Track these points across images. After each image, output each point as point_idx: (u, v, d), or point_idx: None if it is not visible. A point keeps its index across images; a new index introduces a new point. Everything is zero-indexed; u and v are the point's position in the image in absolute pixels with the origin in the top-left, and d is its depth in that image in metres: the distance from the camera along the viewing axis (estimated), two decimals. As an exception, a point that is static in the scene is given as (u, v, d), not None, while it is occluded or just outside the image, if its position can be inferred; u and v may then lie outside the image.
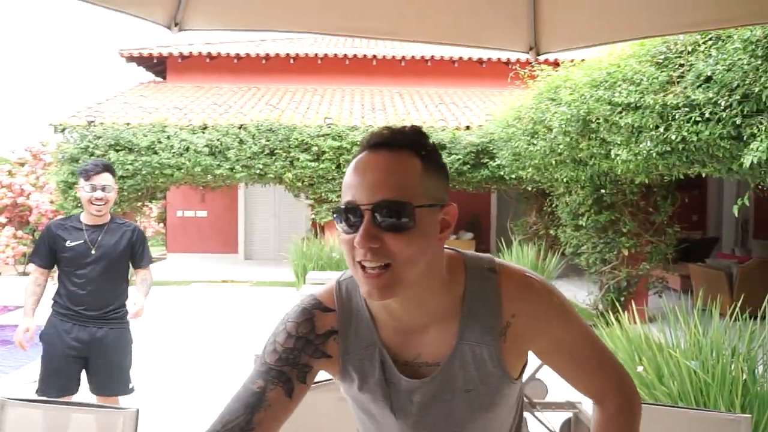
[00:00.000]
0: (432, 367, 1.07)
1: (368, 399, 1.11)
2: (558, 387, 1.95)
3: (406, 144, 1.00)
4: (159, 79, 15.29)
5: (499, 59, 14.08)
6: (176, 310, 8.46)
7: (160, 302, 8.73)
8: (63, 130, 10.67)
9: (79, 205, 10.38)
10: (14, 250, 11.37)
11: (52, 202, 11.36)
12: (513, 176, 9.42)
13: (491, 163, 10.22)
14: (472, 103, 13.00)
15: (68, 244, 3.13)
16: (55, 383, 3.13)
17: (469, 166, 10.64)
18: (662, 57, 5.06)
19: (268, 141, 10.46)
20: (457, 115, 11.83)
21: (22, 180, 11.80)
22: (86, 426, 2.06)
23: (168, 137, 10.38)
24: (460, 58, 14.28)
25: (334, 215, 0.99)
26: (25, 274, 11.63)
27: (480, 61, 14.35)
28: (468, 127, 11.00)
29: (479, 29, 2.01)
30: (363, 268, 0.96)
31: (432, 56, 14.21)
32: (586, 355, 1.12)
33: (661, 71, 4.96)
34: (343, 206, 0.97)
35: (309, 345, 1.08)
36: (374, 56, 14.23)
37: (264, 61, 14.31)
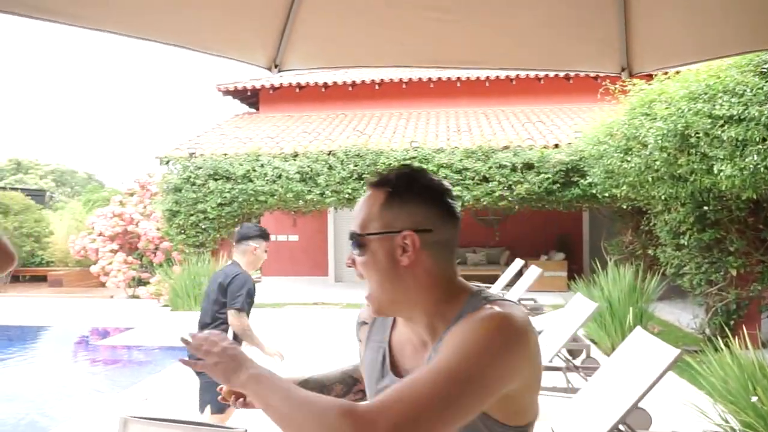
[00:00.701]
0: None
1: (367, 379, 1.30)
2: (662, 416, 1.87)
3: (379, 182, 1.15)
4: (252, 110, 16.09)
5: (587, 75, 13.72)
6: (273, 331, 8.75)
7: (257, 323, 9.09)
8: (167, 162, 11.44)
9: (183, 232, 11.12)
10: (125, 274, 12.23)
11: (158, 229, 12.14)
12: (606, 194, 9.09)
13: (582, 181, 9.93)
14: (559, 120, 12.72)
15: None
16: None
17: (558, 185, 10.39)
18: (767, 66, 4.78)
19: (356, 166, 10.72)
20: (545, 134, 11.62)
21: (131, 209, 12.71)
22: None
23: (262, 165, 10.88)
24: (546, 75, 14.02)
25: None
26: (134, 297, 12.48)
27: (567, 78, 14.05)
28: (557, 145, 10.77)
29: (570, 54, 2.01)
30: None
31: (517, 75, 14.07)
32: (420, 381, 0.96)
33: (767, 81, 4.68)
34: None
35: (356, 327, 1.40)
36: (458, 78, 14.27)
37: (350, 88, 14.73)
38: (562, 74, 13.31)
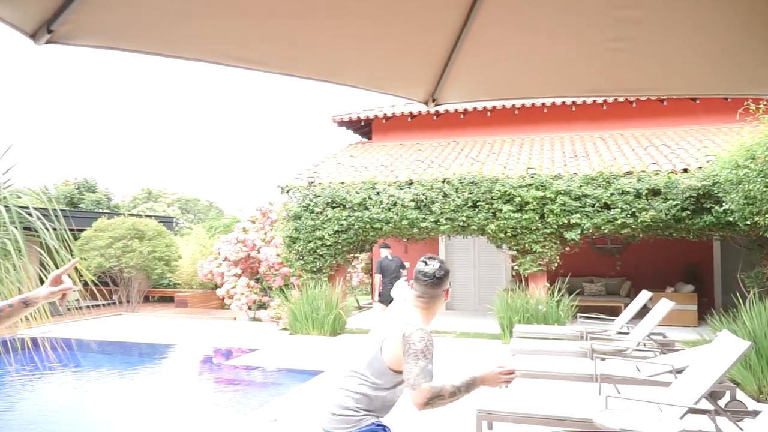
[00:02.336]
0: None
1: None
2: None
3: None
4: (365, 139, 16.54)
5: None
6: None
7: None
8: (288, 191, 11.98)
9: (301, 258, 11.55)
10: (247, 297, 12.86)
11: (278, 255, 12.69)
12: (746, 222, 8.41)
13: (717, 208, 9.26)
14: (685, 143, 11.99)
15: None
16: None
17: (688, 212, 9.75)
18: None
19: (470, 193, 10.67)
20: (671, 158, 10.99)
21: (253, 236, 13.40)
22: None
23: (377, 193, 11.11)
24: (670, 95, 13.31)
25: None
26: (255, 319, 13.08)
27: (692, 98, 13.26)
28: (685, 170, 10.14)
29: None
30: None
31: (637, 97, 13.47)
32: None
33: None
34: None
35: None
36: (573, 102, 13.91)
37: (462, 116, 14.77)
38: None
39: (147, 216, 20.08)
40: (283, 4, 1.63)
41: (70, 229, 3.96)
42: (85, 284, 7.41)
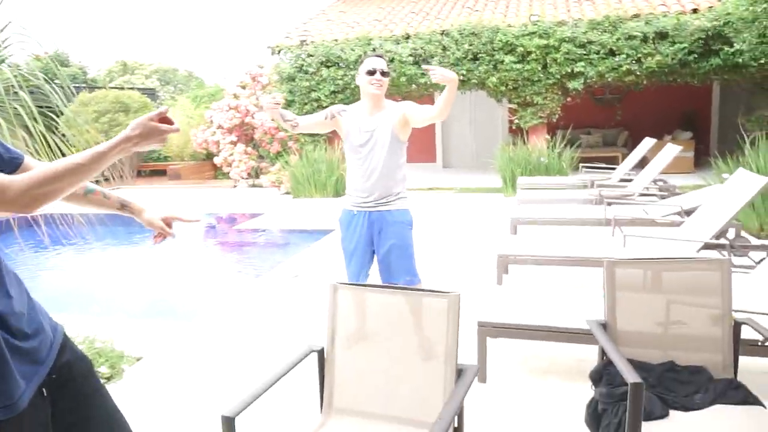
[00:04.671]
0: None
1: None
2: None
3: None
4: (353, -7, 15.56)
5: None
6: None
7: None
8: (279, 52, 11.45)
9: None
10: (246, 164, 12.76)
11: (273, 119, 12.41)
12: (757, 63, 8.22)
13: (726, 49, 9.00)
14: (695, -19, 11.37)
15: None
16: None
17: (695, 55, 9.48)
18: None
19: (471, 45, 10.25)
20: (679, -2, 10.48)
21: (245, 101, 13.01)
22: (412, 308, 2.26)
23: (374, 49, 10.64)
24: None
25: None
26: (255, 186, 13.09)
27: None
28: (695, 10, 9.73)
29: None
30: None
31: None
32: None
33: None
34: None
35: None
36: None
37: (456, -38, 13.80)
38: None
39: (129, 89, 19.37)
40: None
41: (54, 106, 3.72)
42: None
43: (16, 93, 3.45)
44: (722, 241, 4.79)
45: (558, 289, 3.85)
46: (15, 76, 3.35)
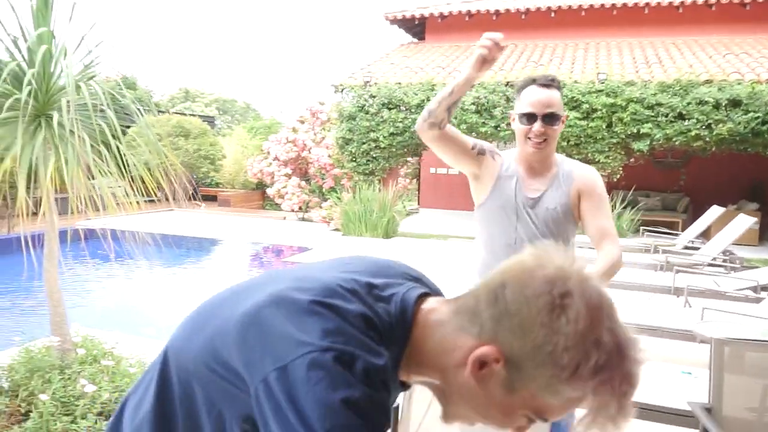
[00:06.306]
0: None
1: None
2: None
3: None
4: (416, 40, 15.81)
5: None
6: (453, 264, 8.77)
7: (434, 254, 9.17)
8: (342, 90, 11.61)
9: (354, 160, 11.35)
10: (298, 198, 12.84)
11: (329, 156, 12.51)
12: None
13: (804, 121, 8.67)
14: (769, 51, 11.14)
15: None
16: None
17: (769, 125, 9.17)
18: None
19: (535, 98, 10.16)
20: (753, 66, 10.24)
21: (303, 136, 13.19)
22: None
23: (436, 95, 10.67)
24: (753, 0, 12.26)
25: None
26: (304, 220, 13.13)
27: (780, 2, 12.18)
28: (771, 80, 9.45)
29: None
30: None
31: (718, 0, 12.43)
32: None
33: None
34: None
35: None
36: (647, 3, 12.92)
37: (523, 16, 13.90)
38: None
39: (191, 115, 19.97)
40: None
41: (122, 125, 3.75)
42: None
43: (102, 110, 3.49)
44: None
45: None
46: (104, 94, 3.38)
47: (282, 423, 0.67)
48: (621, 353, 0.70)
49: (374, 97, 11.07)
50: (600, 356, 0.69)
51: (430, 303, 0.84)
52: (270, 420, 0.68)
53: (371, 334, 0.75)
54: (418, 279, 0.91)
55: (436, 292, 0.91)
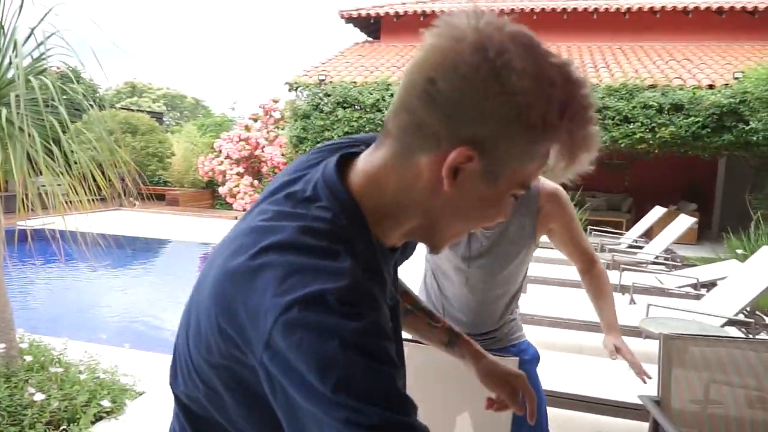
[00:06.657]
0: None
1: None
2: None
3: None
4: (371, 39, 15.83)
5: (743, 8, 12.41)
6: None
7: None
8: (296, 88, 11.52)
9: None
10: (251, 197, 12.68)
11: (283, 155, 12.40)
12: (771, 142, 8.33)
13: (741, 126, 9.12)
14: (709, 59, 11.65)
15: None
16: None
17: (708, 129, 9.60)
18: None
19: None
20: (694, 73, 10.69)
21: (256, 134, 13.03)
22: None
23: (392, 95, 10.72)
24: (696, 8, 12.80)
25: None
26: (257, 219, 12.94)
27: (720, 11, 12.75)
28: (711, 86, 9.89)
29: None
30: None
31: (662, 7, 12.92)
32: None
33: None
34: None
35: None
36: (596, 9, 13.32)
37: (475, 19, 14.11)
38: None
39: (138, 111, 19.42)
40: None
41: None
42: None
43: (52, 105, 3.37)
44: (743, 317, 4.70)
45: (573, 355, 3.73)
46: (55, 88, 3.27)
47: (297, 390, 0.60)
48: (570, 79, 0.66)
49: (329, 95, 11.04)
50: (559, 93, 0.64)
51: (359, 158, 0.75)
52: (289, 396, 0.62)
53: (322, 244, 0.65)
54: (337, 148, 0.80)
55: (365, 142, 0.80)
